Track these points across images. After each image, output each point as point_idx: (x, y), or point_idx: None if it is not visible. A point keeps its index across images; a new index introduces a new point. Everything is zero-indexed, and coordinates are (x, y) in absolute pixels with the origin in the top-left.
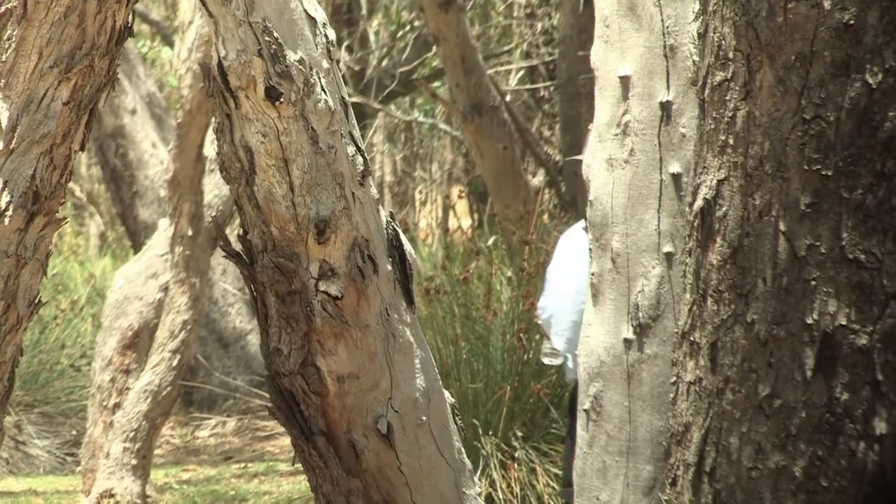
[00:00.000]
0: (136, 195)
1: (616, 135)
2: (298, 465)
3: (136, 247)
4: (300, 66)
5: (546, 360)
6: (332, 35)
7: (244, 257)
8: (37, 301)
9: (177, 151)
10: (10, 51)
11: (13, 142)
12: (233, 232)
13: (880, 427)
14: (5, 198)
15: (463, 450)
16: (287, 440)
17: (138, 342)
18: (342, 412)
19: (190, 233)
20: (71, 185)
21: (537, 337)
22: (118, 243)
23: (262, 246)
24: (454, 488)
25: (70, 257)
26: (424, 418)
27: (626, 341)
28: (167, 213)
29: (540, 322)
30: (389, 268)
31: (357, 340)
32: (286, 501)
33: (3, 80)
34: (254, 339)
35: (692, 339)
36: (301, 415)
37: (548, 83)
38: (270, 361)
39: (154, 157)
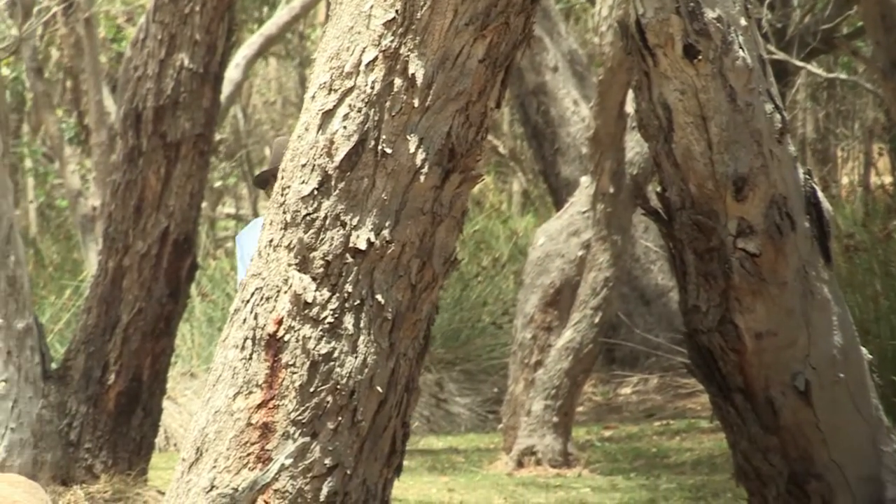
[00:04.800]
0: (558, 152)
1: None
2: (719, 423)
3: (558, 204)
4: (718, 24)
5: None
6: None
7: (662, 215)
8: (452, 259)
9: (598, 109)
10: (425, 8)
11: (428, 99)
12: (653, 189)
13: None
14: (420, 155)
15: (880, 407)
16: (708, 397)
17: (560, 299)
18: (759, 369)
19: (612, 190)
20: (494, 142)
21: None
22: (540, 200)
23: (681, 203)
24: (871, 445)
25: (492, 215)
26: (842, 375)
27: None
28: (589, 171)
29: None
30: (807, 225)
31: (775, 297)
32: (707, 459)
33: (418, 38)
34: (676, 297)
35: None
36: (719, 372)
37: None
38: (689, 318)
39: (575, 114)
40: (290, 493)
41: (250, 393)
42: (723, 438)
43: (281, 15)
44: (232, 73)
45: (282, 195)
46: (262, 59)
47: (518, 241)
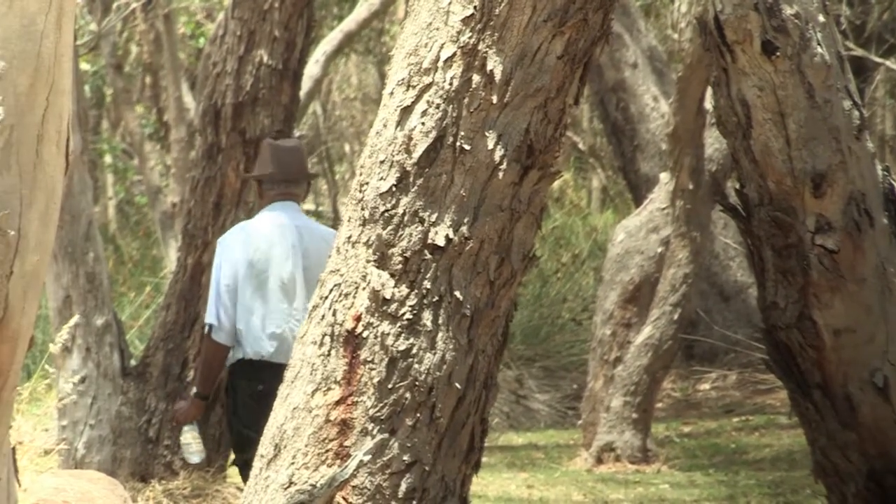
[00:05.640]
0: (638, 149)
1: None
2: (797, 419)
3: (638, 200)
4: (796, 20)
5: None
6: None
7: (741, 211)
8: (531, 255)
9: (677, 105)
10: (503, 4)
11: (507, 95)
12: (732, 186)
13: None
14: (499, 151)
15: None
16: (787, 393)
17: (639, 296)
18: (838, 365)
19: (691, 186)
20: (574, 138)
21: None
22: (620, 197)
23: (759, 200)
24: None
25: (572, 211)
26: None
27: None
28: (668, 167)
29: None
30: (885, 221)
31: (853, 294)
32: (786, 455)
33: (496, 34)
34: (754, 293)
35: None
36: (797, 368)
37: None
38: (767, 315)
39: (655, 110)
40: (369, 490)
41: (329, 389)
42: (801, 434)
43: (360, 11)
44: (311, 70)
45: (360, 192)
46: (342, 55)
47: (597, 237)
